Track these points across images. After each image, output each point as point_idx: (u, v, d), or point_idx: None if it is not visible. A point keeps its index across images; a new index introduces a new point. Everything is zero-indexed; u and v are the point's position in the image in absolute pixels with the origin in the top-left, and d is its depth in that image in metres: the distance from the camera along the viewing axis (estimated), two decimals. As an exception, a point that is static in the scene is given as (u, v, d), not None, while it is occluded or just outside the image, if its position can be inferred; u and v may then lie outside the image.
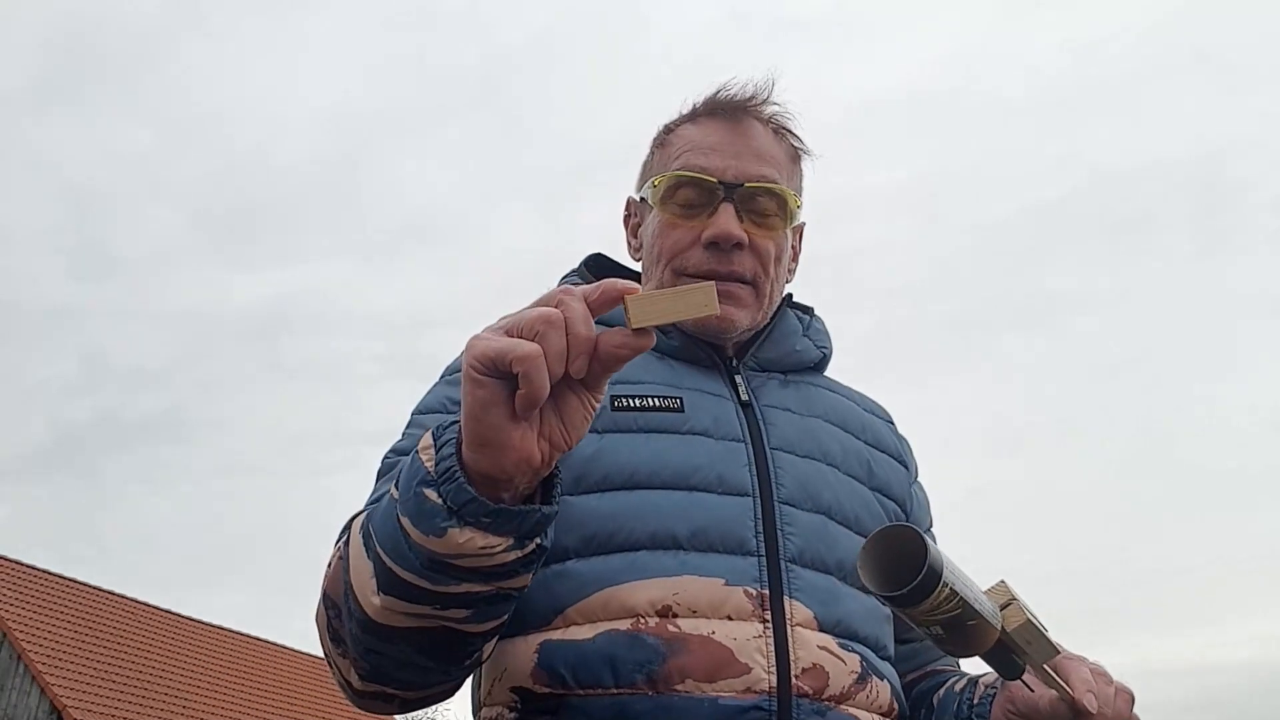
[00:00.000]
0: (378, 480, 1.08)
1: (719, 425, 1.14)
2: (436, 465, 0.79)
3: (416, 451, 0.82)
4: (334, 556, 0.95)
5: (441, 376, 1.21)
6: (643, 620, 1.01)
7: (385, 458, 1.10)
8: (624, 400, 1.13)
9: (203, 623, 18.98)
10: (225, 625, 19.39)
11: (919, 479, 1.36)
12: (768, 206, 1.20)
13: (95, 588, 17.57)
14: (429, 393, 1.19)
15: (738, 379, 1.21)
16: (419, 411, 1.16)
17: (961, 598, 0.86)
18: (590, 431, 1.07)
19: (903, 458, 1.32)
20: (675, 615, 1.02)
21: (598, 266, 1.35)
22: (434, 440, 0.81)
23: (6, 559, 16.38)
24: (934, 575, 0.83)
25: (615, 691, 0.99)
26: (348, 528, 0.95)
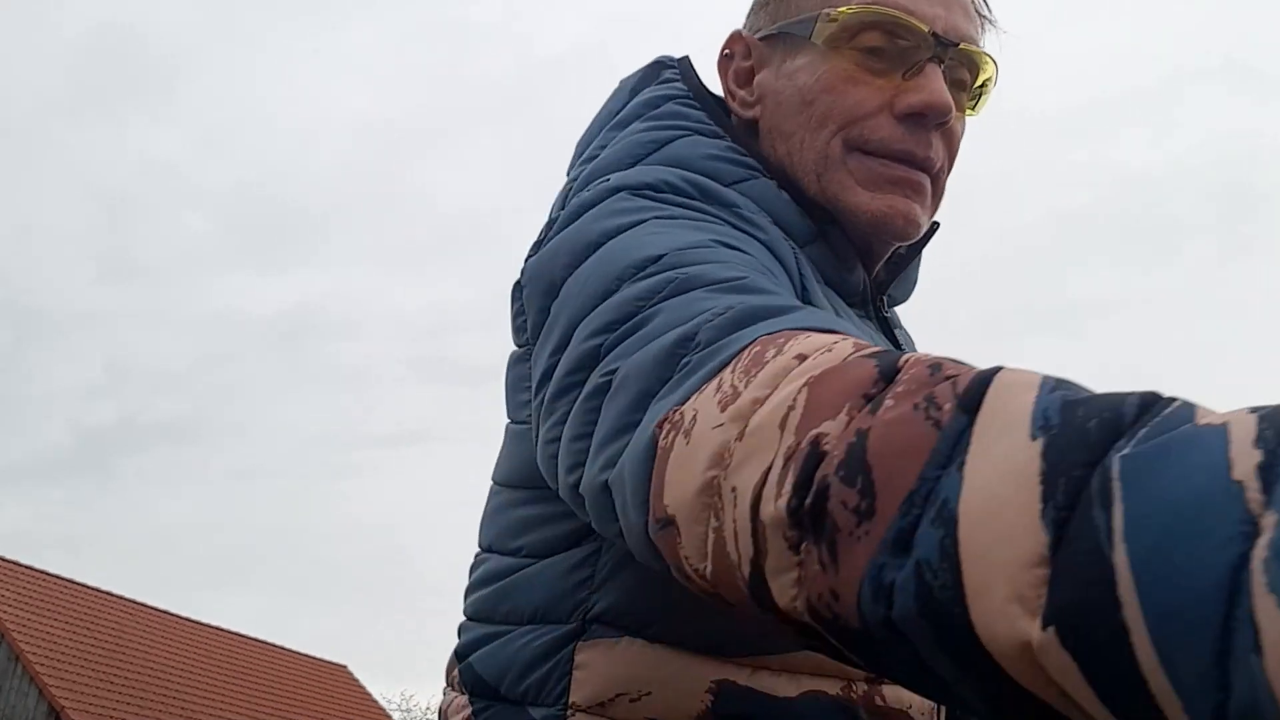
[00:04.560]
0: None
1: None
2: None
3: None
4: None
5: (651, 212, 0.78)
6: (853, 686, 0.81)
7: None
8: None
9: (202, 624, 18.93)
10: (225, 627, 19.38)
11: None
12: (968, 80, 0.92)
13: (94, 588, 17.51)
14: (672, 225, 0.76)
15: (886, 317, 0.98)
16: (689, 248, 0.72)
17: None
18: None
19: None
20: (881, 682, 0.82)
21: (691, 83, 0.96)
22: None
23: (5, 560, 16.35)
24: None
25: None
26: None
